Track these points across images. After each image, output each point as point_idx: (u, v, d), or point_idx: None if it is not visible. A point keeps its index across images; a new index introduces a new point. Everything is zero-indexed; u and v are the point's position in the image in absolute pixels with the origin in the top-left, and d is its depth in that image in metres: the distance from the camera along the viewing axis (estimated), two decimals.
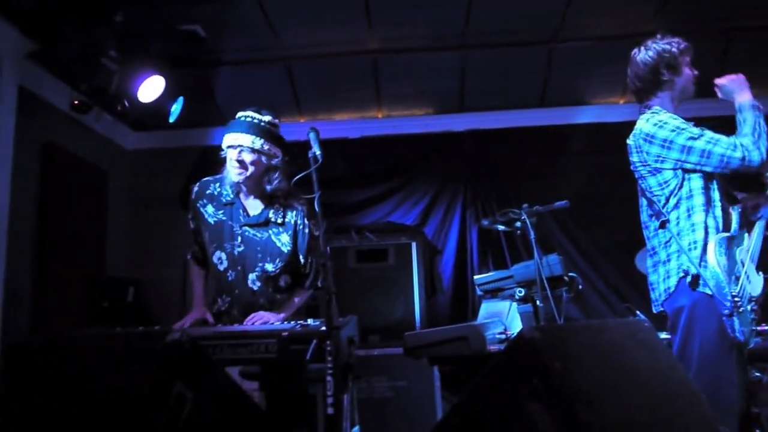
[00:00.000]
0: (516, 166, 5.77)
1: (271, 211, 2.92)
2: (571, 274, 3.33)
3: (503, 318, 3.70)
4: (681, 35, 2.87)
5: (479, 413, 1.75)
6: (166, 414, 1.70)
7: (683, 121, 2.69)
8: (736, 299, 2.46)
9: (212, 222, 2.93)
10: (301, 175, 2.65)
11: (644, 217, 2.84)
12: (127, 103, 4.30)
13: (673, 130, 2.64)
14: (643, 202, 2.82)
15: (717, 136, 2.60)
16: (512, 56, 5.25)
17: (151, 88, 4.40)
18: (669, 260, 2.65)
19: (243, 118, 2.86)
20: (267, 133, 2.86)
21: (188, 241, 3.06)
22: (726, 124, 2.72)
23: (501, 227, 3.52)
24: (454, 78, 5.48)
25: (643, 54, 2.81)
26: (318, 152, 2.55)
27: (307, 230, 2.93)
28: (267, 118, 2.89)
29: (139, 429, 1.70)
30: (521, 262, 3.49)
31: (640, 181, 2.80)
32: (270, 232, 2.91)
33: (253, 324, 2.74)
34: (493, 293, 3.37)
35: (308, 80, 5.45)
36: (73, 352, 2.07)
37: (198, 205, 2.96)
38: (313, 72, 5.40)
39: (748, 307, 2.50)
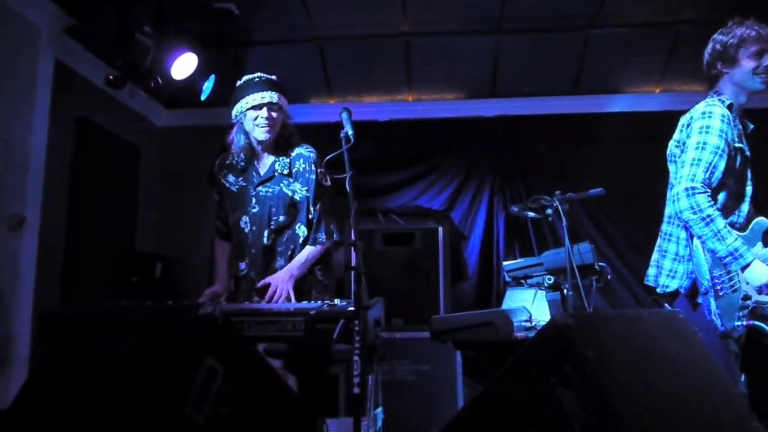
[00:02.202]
0: (546, 155, 5.70)
1: (277, 163, 2.93)
2: (601, 263, 3.29)
3: (528, 306, 3.67)
4: (720, 24, 2.74)
5: (507, 399, 1.74)
6: (197, 387, 1.72)
7: (724, 129, 2.53)
8: (716, 281, 2.43)
9: (235, 190, 2.97)
10: (333, 155, 2.65)
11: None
12: (160, 80, 4.33)
13: (701, 128, 2.53)
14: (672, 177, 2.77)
15: (704, 162, 2.48)
16: (546, 42, 5.17)
17: (184, 66, 4.43)
18: (678, 260, 2.65)
19: (258, 78, 2.89)
20: (282, 89, 2.92)
21: (213, 216, 3.09)
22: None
23: (531, 214, 3.48)
24: (487, 63, 5.41)
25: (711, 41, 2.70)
26: (350, 132, 2.54)
27: (313, 176, 2.91)
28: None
29: (170, 401, 1.72)
30: (548, 250, 3.45)
31: (670, 158, 2.73)
32: (281, 184, 2.91)
33: (268, 295, 2.74)
34: (522, 280, 3.34)
35: (340, 62, 5.43)
36: (106, 322, 2.10)
37: (219, 176, 3.01)
38: (344, 53, 5.38)
39: (737, 298, 2.42)
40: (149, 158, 5.68)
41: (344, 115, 2.62)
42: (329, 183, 2.94)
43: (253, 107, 2.83)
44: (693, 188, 2.45)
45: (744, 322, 2.40)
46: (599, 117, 5.70)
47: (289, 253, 2.91)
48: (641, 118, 5.56)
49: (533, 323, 3.32)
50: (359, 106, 5.74)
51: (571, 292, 3.06)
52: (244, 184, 2.95)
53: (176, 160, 5.89)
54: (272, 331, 2.52)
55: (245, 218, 2.93)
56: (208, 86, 4.69)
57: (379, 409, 3.27)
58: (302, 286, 2.90)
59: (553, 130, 5.72)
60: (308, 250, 2.90)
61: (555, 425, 1.59)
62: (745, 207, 2.65)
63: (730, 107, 2.61)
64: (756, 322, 2.41)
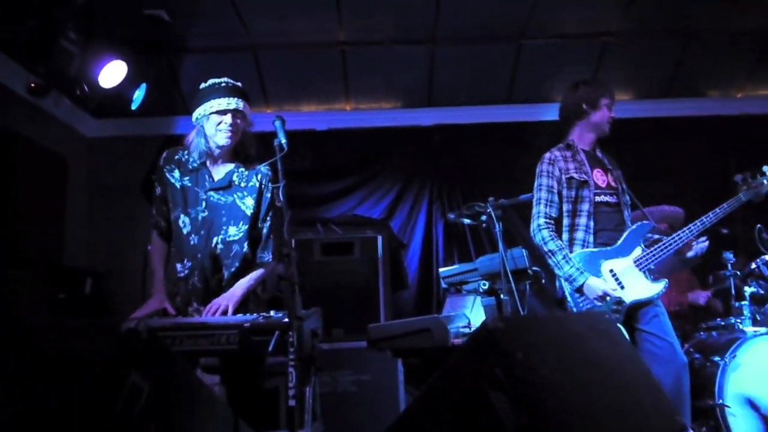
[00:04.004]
0: (482, 162, 5.78)
1: (235, 174, 2.90)
2: (534, 268, 3.36)
3: (467, 312, 3.71)
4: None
5: (442, 403, 1.75)
6: (120, 404, 1.65)
7: (549, 169, 3.14)
8: (576, 300, 2.94)
9: (178, 186, 2.90)
10: (266, 163, 2.62)
11: None
12: (86, 88, 4.18)
13: (536, 173, 3.18)
14: None
15: (542, 200, 3.10)
16: (481, 51, 5.26)
17: (112, 73, 4.29)
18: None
19: (225, 84, 2.85)
20: (247, 96, 2.89)
21: (153, 211, 2.98)
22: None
23: (467, 221, 3.53)
24: (423, 72, 5.46)
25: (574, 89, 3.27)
26: (284, 141, 2.53)
27: (269, 194, 2.89)
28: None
29: (94, 418, 1.65)
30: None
31: None
32: (235, 195, 2.88)
33: (212, 314, 2.68)
34: (458, 286, 3.37)
35: (276, 70, 5.38)
36: (26, 341, 2.00)
37: (165, 170, 2.93)
38: (281, 62, 5.32)
39: (608, 304, 2.85)
40: (77, 169, 5.46)
41: (277, 123, 2.60)
42: (280, 204, 2.90)
43: (218, 112, 2.80)
44: (538, 225, 3.05)
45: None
46: (533, 125, 5.82)
47: (234, 270, 2.86)
48: None
49: (471, 329, 3.35)
50: (297, 115, 5.70)
51: (506, 297, 3.10)
52: (190, 184, 2.89)
53: (106, 171, 5.68)
54: (206, 345, 2.47)
55: (184, 218, 2.87)
56: (139, 95, 4.57)
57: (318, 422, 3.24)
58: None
59: (489, 138, 5.81)
60: (256, 273, 2.87)
61: (489, 428, 1.60)
62: (591, 222, 3.05)
63: (568, 146, 3.17)
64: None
